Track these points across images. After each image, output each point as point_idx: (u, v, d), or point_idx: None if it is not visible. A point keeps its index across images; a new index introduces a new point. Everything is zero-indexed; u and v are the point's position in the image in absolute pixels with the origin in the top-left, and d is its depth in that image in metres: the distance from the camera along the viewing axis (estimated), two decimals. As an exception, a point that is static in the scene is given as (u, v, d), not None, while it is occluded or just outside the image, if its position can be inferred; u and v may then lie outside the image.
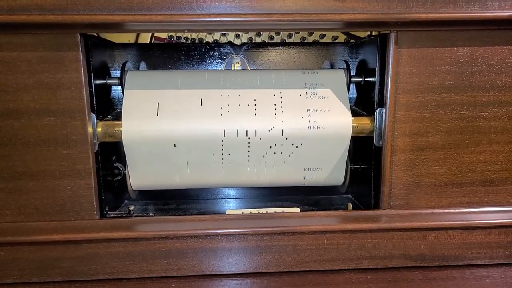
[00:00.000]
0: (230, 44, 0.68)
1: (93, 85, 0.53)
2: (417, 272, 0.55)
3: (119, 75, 0.60)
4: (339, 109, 0.57)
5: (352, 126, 0.56)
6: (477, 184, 0.56)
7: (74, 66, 0.49)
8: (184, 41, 0.64)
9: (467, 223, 0.55)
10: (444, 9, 0.50)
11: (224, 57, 0.69)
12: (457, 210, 0.56)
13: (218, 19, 0.48)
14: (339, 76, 0.60)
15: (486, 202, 0.56)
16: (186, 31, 0.57)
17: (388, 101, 0.53)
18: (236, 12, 0.48)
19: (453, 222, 0.55)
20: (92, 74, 0.52)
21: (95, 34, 0.54)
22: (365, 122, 0.57)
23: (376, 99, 0.56)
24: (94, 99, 0.53)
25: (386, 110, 0.53)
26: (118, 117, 0.57)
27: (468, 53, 0.52)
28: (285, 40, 0.65)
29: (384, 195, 0.55)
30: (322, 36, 0.64)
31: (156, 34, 0.63)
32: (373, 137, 0.57)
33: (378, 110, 0.55)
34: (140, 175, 0.58)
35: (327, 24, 0.51)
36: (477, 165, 0.55)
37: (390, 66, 0.52)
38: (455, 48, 0.52)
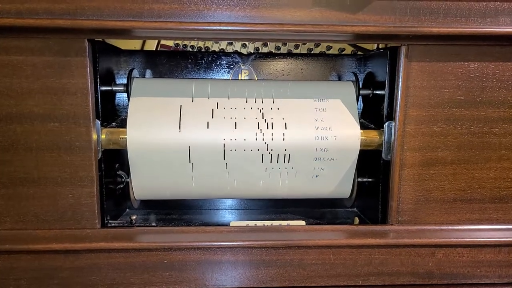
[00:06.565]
0: (238, 53, 0.67)
1: (99, 91, 0.52)
2: (425, 290, 0.54)
3: (124, 82, 0.59)
4: (347, 122, 0.56)
5: (361, 139, 0.56)
6: (486, 201, 0.55)
7: (80, 72, 0.49)
8: (191, 49, 0.63)
9: (476, 240, 0.54)
10: (456, 24, 0.49)
11: (231, 66, 0.68)
12: (466, 227, 0.55)
13: (228, 28, 0.47)
14: (349, 88, 0.59)
15: (495, 219, 0.55)
16: (195, 39, 0.57)
17: (397, 114, 0.52)
18: (247, 22, 0.48)
19: (462, 239, 0.54)
20: (98, 80, 0.51)
21: (102, 40, 0.53)
22: (373, 135, 0.57)
23: (385, 112, 0.55)
24: (100, 106, 0.52)
25: (395, 123, 0.53)
26: (122, 124, 0.56)
27: (479, 68, 0.52)
28: (291, 51, 0.64)
29: (392, 210, 0.54)
30: (329, 48, 0.63)
31: (162, 42, 0.62)
32: (381, 150, 0.56)
33: (387, 124, 0.55)
34: (144, 185, 0.56)
35: (338, 36, 0.50)
36: (487, 181, 0.54)
37: (400, 80, 0.52)
38: (466, 63, 0.52)
